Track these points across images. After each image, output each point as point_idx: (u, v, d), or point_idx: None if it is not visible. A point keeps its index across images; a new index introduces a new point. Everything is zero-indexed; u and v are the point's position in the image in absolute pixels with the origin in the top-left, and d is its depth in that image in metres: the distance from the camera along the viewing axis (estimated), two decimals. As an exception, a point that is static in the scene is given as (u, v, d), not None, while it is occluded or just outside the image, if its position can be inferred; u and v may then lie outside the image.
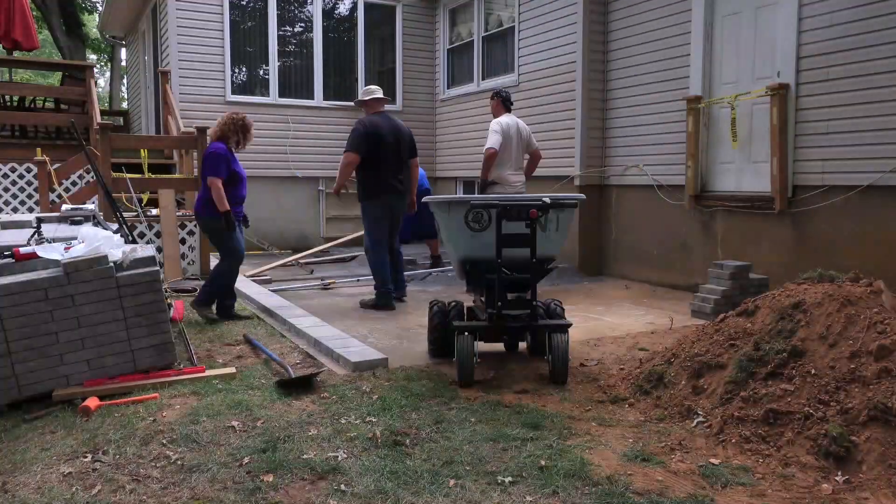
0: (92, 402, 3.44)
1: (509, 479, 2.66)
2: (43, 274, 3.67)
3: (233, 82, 9.96)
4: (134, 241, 5.53)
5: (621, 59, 7.70)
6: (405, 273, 6.62)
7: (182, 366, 4.07)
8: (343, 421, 3.26)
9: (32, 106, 11.27)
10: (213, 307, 5.47)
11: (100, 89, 28.43)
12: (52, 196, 7.76)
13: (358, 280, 7.29)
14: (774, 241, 6.12)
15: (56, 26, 18.19)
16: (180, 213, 7.47)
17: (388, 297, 5.97)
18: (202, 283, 6.73)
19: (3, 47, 10.86)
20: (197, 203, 5.43)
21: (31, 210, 8.86)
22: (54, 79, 18.25)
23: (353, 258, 8.90)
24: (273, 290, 6.55)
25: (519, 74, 9.05)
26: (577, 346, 4.66)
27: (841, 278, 3.59)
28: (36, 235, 4.55)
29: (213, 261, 7.81)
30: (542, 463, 2.78)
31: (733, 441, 2.99)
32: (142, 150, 7.74)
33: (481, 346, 4.23)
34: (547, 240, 4.06)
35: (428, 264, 8.38)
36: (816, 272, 3.72)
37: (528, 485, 2.62)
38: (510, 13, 9.31)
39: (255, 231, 9.92)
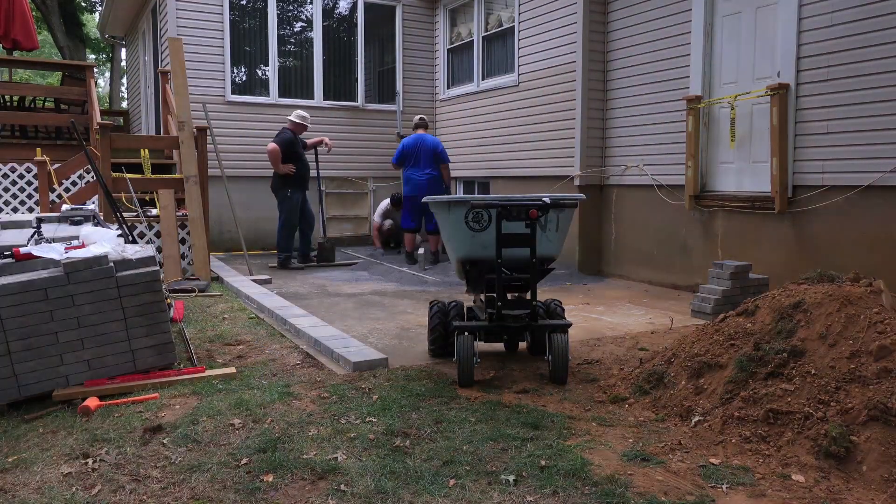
0: (92, 402, 3.44)
1: (509, 478, 2.66)
2: (43, 274, 3.67)
3: (233, 82, 9.95)
4: (134, 241, 5.53)
5: (621, 59, 7.70)
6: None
7: (182, 366, 4.07)
8: (343, 421, 3.26)
9: (32, 106, 11.26)
10: None
11: (100, 89, 28.44)
12: (52, 196, 7.75)
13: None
14: (774, 241, 6.12)
15: (56, 26, 18.20)
16: (180, 213, 7.48)
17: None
18: (201, 283, 6.74)
19: (3, 47, 10.85)
20: None
21: (31, 210, 8.86)
22: (54, 79, 18.27)
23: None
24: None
25: (519, 74, 9.05)
26: (577, 346, 4.66)
27: (841, 278, 3.59)
28: (36, 235, 4.56)
29: (213, 261, 7.82)
30: (542, 463, 2.78)
31: (733, 441, 2.99)
32: (142, 150, 7.73)
33: (481, 346, 4.23)
34: (547, 240, 4.06)
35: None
36: (816, 272, 3.72)
37: (528, 485, 2.62)
38: (510, 13, 9.31)
39: (256, 231, 9.94)
